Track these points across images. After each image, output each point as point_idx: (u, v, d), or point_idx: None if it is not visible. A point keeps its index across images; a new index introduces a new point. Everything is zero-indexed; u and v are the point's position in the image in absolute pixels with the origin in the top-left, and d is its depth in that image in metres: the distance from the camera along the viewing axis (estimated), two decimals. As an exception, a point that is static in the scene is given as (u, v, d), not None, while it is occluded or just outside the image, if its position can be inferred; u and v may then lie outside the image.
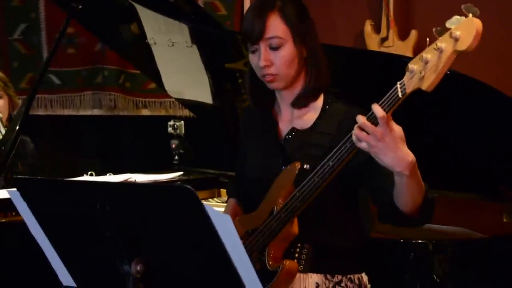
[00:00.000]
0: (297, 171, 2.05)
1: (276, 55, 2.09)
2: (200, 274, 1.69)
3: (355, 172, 2.04)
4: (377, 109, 1.81)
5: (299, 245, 2.10)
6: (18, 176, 2.76)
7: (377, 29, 4.29)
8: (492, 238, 2.88)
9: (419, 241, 2.73)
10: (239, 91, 3.41)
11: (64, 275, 1.91)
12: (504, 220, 2.99)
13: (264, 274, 2.00)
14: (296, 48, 2.10)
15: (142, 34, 3.42)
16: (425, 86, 1.77)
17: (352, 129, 1.86)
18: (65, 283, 1.92)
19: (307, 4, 2.18)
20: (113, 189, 1.76)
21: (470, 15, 1.72)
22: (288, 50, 2.09)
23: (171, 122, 4.04)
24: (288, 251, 2.09)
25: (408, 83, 1.80)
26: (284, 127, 2.20)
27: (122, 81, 4.71)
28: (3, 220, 2.89)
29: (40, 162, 3.70)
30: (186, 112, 4.51)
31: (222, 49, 3.31)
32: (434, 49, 1.75)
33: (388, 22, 4.22)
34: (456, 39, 1.72)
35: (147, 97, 4.74)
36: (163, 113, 4.73)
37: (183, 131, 4.00)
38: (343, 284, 2.12)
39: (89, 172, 3.42)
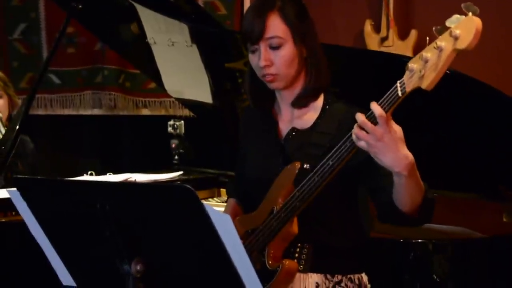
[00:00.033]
0: (297, 171, 2.05)
1: (276, 55, 2.09)
2: (200, 274, 1.69)
3: (355, 172, 2.04)
4: (375, 108, 1.81)
5: (299, 245, 2.10)
6: (18, 176, 2.76)
7: (377, 28, 4.29)
8: (492, 238, 2.88)
9: (419, 240, 2.73)
10: (239, 90, 3.41)
11: (64, 275, 1.91)
12: (504, 219, 2.99)
13: (263, 273, 2.01)
14: (296, 48, 2.10)
15: (142, 34, 3.42)
16: (425, 85, 1.77)
17: (352, 128, 1.86)
18: (65, 283, 1.92)
19: (307, 4, 2.19)
20: (113, 189, 1.76)
21: (470, 13, 1.72)
22: (288, 50, 2.09)
23: (171, 122, 4.04)
24: (288, 251, 2.09)
25: (408, 82, 1.80)
26: (284, 127, 2.20)
27: (122, 80, 4.71)
28: (3, 220, 2.89)
29: (40, 162, 3.70)
30: (186, 112, 4.51)
31: (222, 48, 3.31)
32: (434, 48, 1.75)
33: (388, 21, 4.23)
34: (456, 38, 1.72)
35: (147, 97, 4.74)
36: (163, 112, 4.73)
37: (183, 131, 4.00)
38: (343, 284, 2.12)
39: (89, 172, 3.42)
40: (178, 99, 4.14)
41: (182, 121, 4.02)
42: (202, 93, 3.54)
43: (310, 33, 2.14)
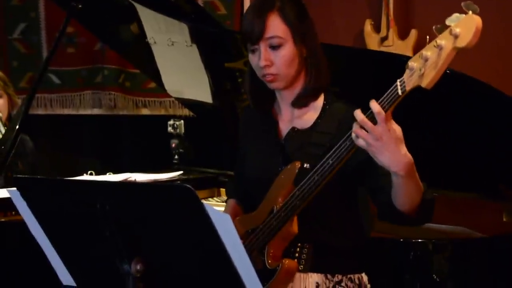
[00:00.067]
0: (297, 171, 2.05)
1: (276, 55, 2.09)
2: (200, 274, 1.69)
3: (355, 171, 2.04)
4: (374, 106, 1.81)
5: (299, 245, 2.10)
6: (18, 176, 2.76)
7: (377, 28, 4.29)
8: (492, 237, 2.88)
9: (419, 240, 2.73)
10: (239, 90, 3.41)
11: (64, 275, 1.91)
12: (504, 219, 2.99)
13: (263, 273, 2.01)
14: (296, 47, 2.10)
15: (142, 34, 3.42)
16: (424, 83, 1.77)
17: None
18: (65, 283, 1.93)
19: (307, 4, 2.19)
20: (113, 189, 1.76)
21: (470, 12, 1.72)
22: (288, 49, 2.09)
23: (171, 122, 4.04)
24: (288, 251, 2.09)
25: (407, 81, 1.80)
26: (284, 127, 2.20)
27: (122, 80, 4.71)
28: (3, 220, 2.89)
29: (40, 161, 3.70)
30: (186, 112, 4.51)
31: (222, 48, 3.31)
32: (434, 46, 1.75)
33: (388, 21, 4.23)
34: (456, 36, 1.72)
35: (147, 97, 4.74)
36: (163, 112, 4.73)
37: (183, 131, 4.00)
38: (343, 284, 2.12)
39: (89, 172, 3.42)
40: (178, 99, 4.14)
41: (182, 121, 4.03)
42: (202, 92, 3.54)
43: (310, 33, 2.14)
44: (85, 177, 3.33)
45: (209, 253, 1.63)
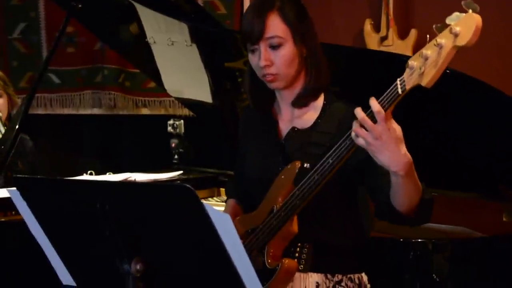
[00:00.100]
0: (297, 170, 2.05)
1: (276, 55, 2.09)
2: (200, 273, 1.69)
3: (354, 170, 2.04)
4: (374, 104, 1.81)
5: (299, 244, 2.10)
6: (18, 175, 2.76)
7: (376, 28, 4.29)
8: (492, 237, 2.88)
9: (419, 240, 2.73)
10: (239, 90, 3.41)
11: (64, 274, 1.91)
12: (504, 219, 2.99)
13: (263, 272, 2.01)
14: (296, 47, 2.10)
15: (142, 33, 3.42)
16: (425, 82, 1.77)
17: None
18: (65, 282, 1.92)
19: (307, 4, 2.19)
20: (113, 188, 1.76)
21: (470, 11, 1.72)
22: (288, 49, 2.09)
23: (171, 121, 4.04)
24: (288, 251, 2.09)
25: (408, 80, 1.80)
26: (284, 127, 2.20)
27: (122, 80, 4.71)
28: (3, 219, 2.89)
29: (40, 161, 3.70)
30: (185, 111, 4.51)
31: (221, 48, 3.31)
32: (434, 45, 1.75)
33: (388, 21, 4.22)
34: (456, 35, 1.73)
35: (147, 96, 4.74)
36: (162, 112, 4.73)
37: (182, 130, 4.00)
38: (343, 284, 2.12)
39: (89, 171, 3.42)
40: (177, 99, 4.14)
41: (182, 121, 4.02)
42: (202, 92, 3.54)
43: (310, 33, 2.14)
44: (85, 177, 3.33)
45: (209, 253, 1.63)
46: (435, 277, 2.72)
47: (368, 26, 4.31)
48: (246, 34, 2.11)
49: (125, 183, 2.57)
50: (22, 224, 1.91)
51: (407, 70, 1.80)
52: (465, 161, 2.90)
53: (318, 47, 2.16)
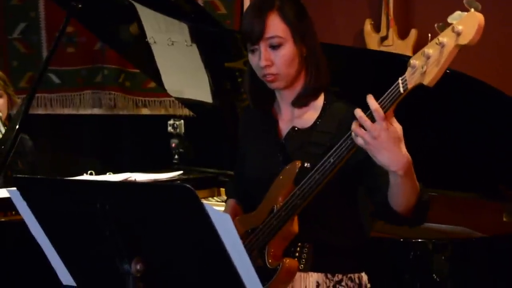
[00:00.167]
0: (297, 170, 2.05)
1: (276, 55, 2.09)
2: (200, 273, 1.69)
3: (354, 170, 2.04)
4: (372, 102, 1.81)
5: (299, 244, 2.10)
6: (18, 175, 2.76)
7: (377, 28, 4.29)
8: (492, 237, 2.88)
9: (419, 240, 2.73)
10: (239, 90, 3.41)
11: (64, 274, 1.91)
12: (504, 219, 2.99)
13: (264, 272, 2.00)
14: (296, 47, 2.10)
15: (142, 33, 3.42)
16: (427, 81, 1.77)
17: (353, 127, 1.86)
18: (65, 282, 1.92)
19: (307, 3, 2.19)
20: (113, 188, 1.76)
21: (472, 9, 1.72)
22: (288, 49, 2.09)
23: (171, 121, 4.04)
24: (288, 250, 2.09)
25: (409, 79, 1.80)
26: (284, 127, 2.20)
27: (122, 80, 4.71)
28: (3, 219, 2.89)
29: (39, 161, 3.70)
30: (186, 111, 4.51)
31: (221, 48, 3.31)
32: (436, 43, 1.75)
33: (388, 21, 4.23)
34: (458, 34, 1.72)
35: (147, 96, 4.74)
36: (163, 112, 4.73)
37: (183, 130, 4.00)
38: (343, 283, 2.12)
39: (89, 171, 3.42)
40: (178, 99, 4.14)
41: (182, 121, 4.03)
42: (202, 92, 3.54)
43: (310, 32, 2.14)
44: (85, 177, 3.34)
45: (209, 253, 1.63)
46: (435, 277, 2.72)
47: (368, 26, 4.31)
48: (246, 34, 2.11)
49: (125, 183, 2.57)
50: (22, 224, 1.91)
51: (409, 69, 1.80)
52: (465, 161, 2.90)
53: (318, 46, 2.16)
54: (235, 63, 3.31)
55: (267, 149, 2.20)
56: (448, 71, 1.79)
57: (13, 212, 2.84)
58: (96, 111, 4.72)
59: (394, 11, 4.22)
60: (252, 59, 2.13)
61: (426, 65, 1.76)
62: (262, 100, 2.23)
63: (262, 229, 2.09)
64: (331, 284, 2.12)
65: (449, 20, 1.74)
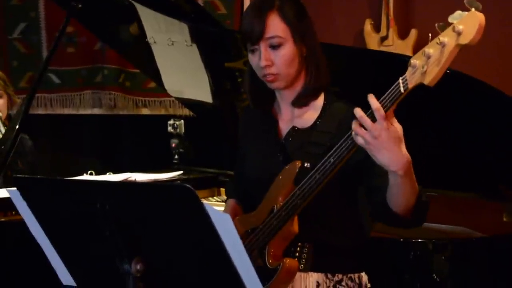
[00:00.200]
0: (297, 170, 2.05)
1: (276, 55, 2.09)
2: (200, 273, 1.69)
3: (355, 170, 2.04)
4: (373, 102, 1.81)
5: (299, 244, 2.10)
6: (18, 175, 2.76)
7: (377, 28, 4.29)
8: (492, 237, 2.88)
9: (419, 240, 2.73)
10: (239, 90, 3.41)
11: (64, 274, 1.91)
12: (504, 219, 2.99)
13: (264, 272, 2.00)
14: (296, 47, 2.10)
15: (142, 33, 3.43)
16: (427, 80, 1.77)
17: (353, 127, 1.86)
18: (65, 283, 1.92)
19: (307, 3, 2.18)
20: (113, 189, 1.76)
21: (473, 9, 1.72)
22: (288, 49, 2.09)
23: (171, 121, 4.04)
24: (288, 250, 2.09)
25: (410, 78, 1.79)
26: (284, 126, 2.20)
27: (122, 80, 4.71)
28: (3, 219, 2.89)
29: (40, 161, 3.70)
30: (186, 111, 4.51)
31: (222, 48, 3.31)
32: (437, 43, 1.75)
33: (388, 21, 4.22)
34: (459, 33, 1.72)
35: (147, 96, 4.74)
36: (163, 112, 4.73)
37: (183, 130, 4.00)
38: (343, 283, 2.12)
39: (89, 171, 3.42)
40: (178, 99, 4.14)
41: (182, 121, 4.03)
42: (202, 92, 3.54)
43: (310, 32, 2.14)
44: (85, 177, 3.34)
45: (209, 253, 1.63)
46: (435, 277, 2.72)
47: (368, 26, 4.31)
48: (246, 34, 2.11)
49: (125, 183, 2.57)
50: (22, 224, 1.91)
51: (410, 68, 1.80)
52: (465, 161, 2.90)
53: (318, 46, 2.16)
54: (235, 63, 3.31)
55: (267, 149, 2.20)
56: (448, 71, 1.79)
57: (13, 212, 2.84)
58: (96, 111, 4.72)
59: (394, 11, 4.22)
60: (252, 59, 2.13)
61: (426, 65, 1.76)
62: (262, 100, 2.23)
63: (262, 229, 2.09)
64: (331, 284, 2.12)
65: (450, 19, 1.74)
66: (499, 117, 2.72)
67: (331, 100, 2.17)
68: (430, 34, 1.77)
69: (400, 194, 1.92)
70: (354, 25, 4.41)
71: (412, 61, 1.79)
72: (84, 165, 4.22)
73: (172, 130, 4.02)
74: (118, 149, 4.84)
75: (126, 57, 4.15)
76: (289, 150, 2.15)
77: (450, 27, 1.73)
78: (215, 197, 3.60)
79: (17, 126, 3.07)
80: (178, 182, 3.48)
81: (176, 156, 3.98)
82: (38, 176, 2.53)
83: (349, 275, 2.14)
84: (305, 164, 2.05)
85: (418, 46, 4.04)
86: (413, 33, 4.14)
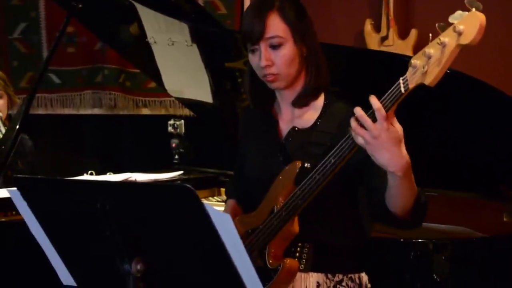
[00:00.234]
0: (298, 170, 2.05)
1: (276, 55, 2.09)
2: (200, 273, 1.69)
3: (355, 170, 2.04)
4: (374, 102, 1.80)
5: (299, 244, 2.10)
6: (19, 176, 2.76)
7: (377, 28, 4.29)
8: (492, 237, 2.88)
9: (420, 240, 2.73)
10: (239, 90, 3.41)
11: (64, 274, 1.91)
12: (505, 219, 2.99)
13: (264, 273, 2.00)
14: (297, 47, 2.10)
15: (142, 33, 3.42)
16: (428, 81, 1.77)
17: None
18: (65, 283, 1.92)
19: (307, 3, 2.19)
20: (113, 189, 1.76)
21: (473, 9, 1.72)
22: (288, 49, 2.09)
23: (171, 121, 4.04)
24: (289, 251, 2.09)
25: (411, 78, 1.79)
26: (284, 127, 2.20)
27: (122, 80, 4.71)
28: (3, 219, 2.89)
29: (40, 161, 3.70)
30: (186, 111, 4.51)
31: (222, 48, 3.31)
32: (437, 43, 1.75)
33: (388, 21, 4.22)
34: (460, 33, 1.72)
35: (147, 96, 4.75)
36: (163, 112, 4.73)
37: (183, 130, 4.00)
38: (344, 284, 2.12)
39: (89, 171, 3.42)
40: (178, 99, 4.14)
41: (182, 121, 4.03)
42: (202, 92, 3.54)
43: (310, 32, 2.14)
44: (86, 177, 3.34)
45: (210, 253, 1.63)
46: (435, 277, 2.72)
47: (368, 26, 4.31)
48: (246, 34, 2.11)
49: (125, 183, 2.57)
50: (22, 224, 1.91)
51: (410, 69, 1.79)
52: (466, 161, 2.90)
53: (318, 46, 2.16)
54: (235, 63, 3.31)
55: (267, 149, 2.20)
56: (448, 71, 1.78)
57: (14, 212, 2.84)
58: (97, 111, 4.73)
59: (394, 11, 4.22)
60: (252, 59, 2.13)
61: (427, 65, 1.76)
62: (262, 100, 2.23)
63: (263, 230, 2.09)
64: (332, 284, 2.11)
65: (450, 19, 1.74)
66: (500, 117, 2.72)
67: (331, 100, 2.17)
68: (430, 35, 1.77)
69: (398, 195, 1.91)
70: (354, 25, 4.41)
71: (413, 61, 1.79)
72: (85, 165, 4.22)
73: (172, 130, 4.02)
74: (118, 149, 4.84)
75: (126, 57, 4.15)
76: (290, 151, 2.15)
77: (451, 27, 1.73)
78: (215, 197, 3.60)
79: (18, 126, 3.07)
80: (179, 182, 3.48)
81: (176, 156, 3.98)
82: (39, 176, 2.53)
83: (349, 275, 2.14)
84: (306, 165, 2.05)
85: (418, 46, 4.04)
86: (413, 33, 4.14)
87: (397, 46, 4.18)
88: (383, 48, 4.20)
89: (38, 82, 3.25)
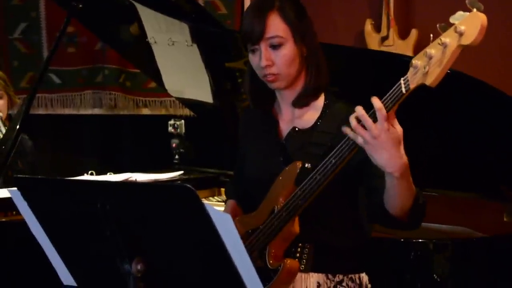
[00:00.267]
0: (298, 170, 2.05)
1: (277, 55, 2.09)
2: (201, 274, 1.69)
3: (356, 171, 2.04)
4: (376, 102, 1.80)
5: (300, 244, 2.10)
6: (19, 176, 2.76)
7: (377, 28, 4.29)
8: (492, 237, 2.88)
9: (420, 240, 2.73)
10: (239, 90, 3.41)
11: (64, 274, 1.91)
12: (505, 219, 2.99)
13: (264, 273, 2.00)
14: (297, 47, 2.10)
15: (143, 33, 3.42)
16: (429, 81, 1.77)
17: (354, 128, 1.85)
18: (65, 283, 1.92)
19: (308, 3, 2.19)
20: (114, 189, 1.76)
21: (475, 9, 1.72)
22: (289, 49, 2.09)
23: (172, 121, 4.04)
24: (289, 251, 2.09)
25: (411, 79, 1.79)
26: (284, 127, 2.20)
27: (123, 80, 4.71)
28: (4, 219, 2.89)
29: (40, 161, 3.71)
30: (186, 111, 4.51)
31: (222, 48, 3.31)
32: (439, 44, 1.75)
33: (389, 21, 4.22)
34: (461, 34, 1.72)
35: (148, 96, 4.75)
36: (163, 112, 4.73)
37: (183, 130, 4.00)
38: (344, 284, 2.12)
39: (90, 172, 3.42)
40: (178, 99, 4.14)
41: (183, 121, 4.03)
42: (202, 92, 3.54)
43: (310, 32, 2.14)
44: (86, 177, 3.34)
45: (210, 253, 1.63)
46: (435, 277, 2.72)
47: (368, 26, 4.30)
48: (247, 34, 2.11)
49: (125, 183, 2.57)
50: (23, 224, 1.91)
51: (411, 69, 1.79)
52: (466, 161, 2.90)
53: (318, 46, 2.16)
54: (236, 63, 3.31)
55: (267, 149, 2.20)
56: (449, 71, 1.78)
57: (14, 212, 2.84)
58: (97, 111, 4.73)
59: (394, 11, 4.22)
60: (253, 59, 2.13)
61: (428, 66, 1.76)
62: (262, 100, 2.23)
63: (263, 230, 2.09)
64: (332, 285, 2.11)
65: (451, 20, 1.74)
66: (500, 118, 2.72)
67: (331, 100, 2.17)
68: (431, 35, 1.77)
69: (396, 195, 1.91)
70: (355, 25, 4.41)
71: (414, 61, 1.78)
72: (85, 165, 4.22)
73: (172, 130, 4.02)
74: (118, 149, 4.85)
75: (126, 57, 4.15)
76: (290, 151, 2.15)
77: (452, 28, 1.73)
78: (215, 197, 3.60)
79: (18, 126, 3.07)
80: (179, 182, 3.48)
81: (177, 156, 3.98)
82: (39, 176, 2.53)
83: (349, 276, 2.14)
84: (306, 165, 2.05)
85: (419, 46, 4.04)
86: (414, 33, 4.14)
87: (397, 46, 4.17)
88: (383, 48, 4.20)
89: (39, 82, 3.25)
